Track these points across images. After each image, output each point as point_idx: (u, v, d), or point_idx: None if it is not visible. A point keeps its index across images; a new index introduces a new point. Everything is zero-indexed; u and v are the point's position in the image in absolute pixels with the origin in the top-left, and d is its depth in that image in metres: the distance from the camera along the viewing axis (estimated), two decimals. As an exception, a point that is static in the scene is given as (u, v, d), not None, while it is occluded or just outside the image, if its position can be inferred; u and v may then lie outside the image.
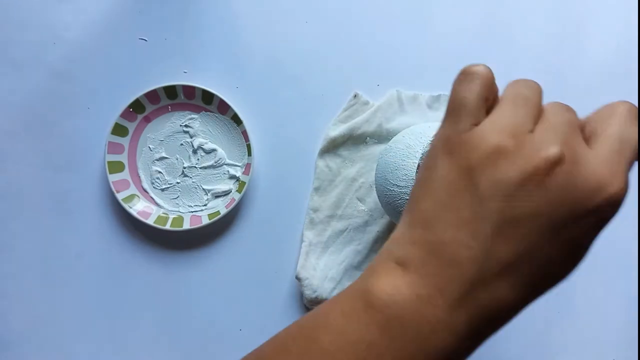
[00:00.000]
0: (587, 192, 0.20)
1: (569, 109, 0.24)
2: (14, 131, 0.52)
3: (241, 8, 0.53)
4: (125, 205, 0.50)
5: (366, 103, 0.53)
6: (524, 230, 0.20)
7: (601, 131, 0.22)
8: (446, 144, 0.23)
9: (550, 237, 0.21)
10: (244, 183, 0.51)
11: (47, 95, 0.52)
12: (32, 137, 0.52)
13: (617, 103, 0.23)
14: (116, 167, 0.51)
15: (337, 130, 0.52)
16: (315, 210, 0.52)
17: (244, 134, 0.51)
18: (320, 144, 0.53)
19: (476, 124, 0.22)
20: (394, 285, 0.22)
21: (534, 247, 0.21)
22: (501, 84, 0.57)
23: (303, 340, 0.24)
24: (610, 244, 0.54)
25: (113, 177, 0.50)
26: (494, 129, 0.21)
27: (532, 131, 0.22)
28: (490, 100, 0.24)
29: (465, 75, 0.24)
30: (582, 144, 0.22)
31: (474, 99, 0.23)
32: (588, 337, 0.53)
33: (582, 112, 0.57)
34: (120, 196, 0.50)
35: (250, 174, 0.50)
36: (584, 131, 0.23)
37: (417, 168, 0.38)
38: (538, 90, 0.25)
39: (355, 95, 0.53)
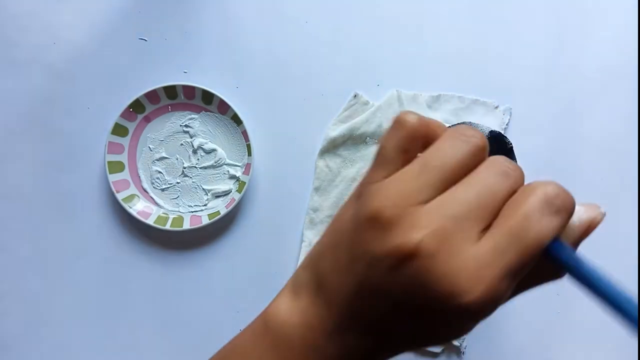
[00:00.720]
0: (439, 295, 0.18)
1: (506, 172, 0.20)
2: (14, 131, 0.52)
3: (241, 8, 0.53)
4: (125, 205, 0.50)
5: (366, 103, 0.53)
6: (375, 302, 0.21)
7: (501, 219, 0.19)
8: (357, 187, 0.23)
9: (402, 318, 0.21)
10: (244, 183, 0.51)
11: (47, 95, 0.52)
12: (32, 137, 0.52)
13: (536, 184, 0.19)
14: (116, 167, 0.51)
15: (337, 130, 0.52)
16: (315, 210, 0.52)
17: (244, 134, 0.51)
18: (320, 144, 0.53)
19: (386, 177, 0.21)
20: (287, 310, 0.24)
21: (390, 316, 0.21)
22: (502, 84, 0.57)
23: None
24: (610, 243, 0.54)
25: (113, 177, 0.50)
26: (385, 191, 0.20)
27: (427, 202, 0.20)
28: (411, 153, 0.22)
29: (394, 123, 0.22)
30: (468, 237, 0.19)
31: (391, 149, 0.22)
32: (588, 337, 0.53)
33: (584, 112, 0.56)
34: (120, 196, 0.50)
35: (250, 174, 0.50)
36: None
37: None
38: (470, 148, 0.20)
39: (355, 95, 0.53)
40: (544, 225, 0.18)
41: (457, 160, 0.20)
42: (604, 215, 0.23)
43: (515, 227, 0.18)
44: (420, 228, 0.19)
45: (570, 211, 0.19)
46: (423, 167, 0.20)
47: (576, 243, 0.22)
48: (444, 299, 0.18)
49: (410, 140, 0.21)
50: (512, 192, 0.20)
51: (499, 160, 0.21)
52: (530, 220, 0.18)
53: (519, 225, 0.18)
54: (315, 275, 0.23)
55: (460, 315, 0.19)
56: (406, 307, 0.20)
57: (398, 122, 0.22)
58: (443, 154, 0.20)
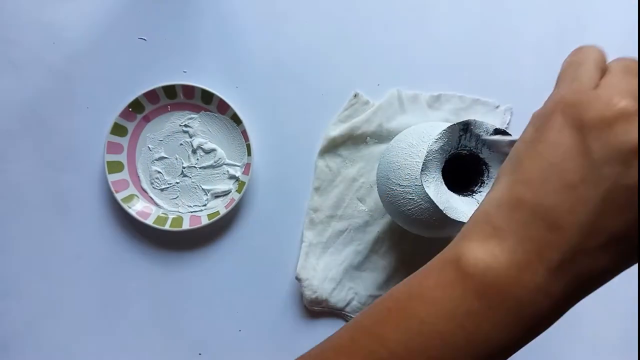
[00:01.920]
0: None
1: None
2: (14, 131, 0.52)
3: (241, 8, 0.53)
4: (125, 206, 0.50)
5: (366, 103, 0.53)
6: (629, 204, 0.19)
7: None
8: (560, 102, 0.22)
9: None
10: (244, 183, 0.50)
11: (47, 95, 0.52)
12: (32, 137, 0.52)
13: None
14: (115, 167, 0.51)
15: (337, 130, 0.52)
16: (315, 210, 0.52)
17: (244, 133, 0.51)
18: (320, 143, 0.53)
19: (594, 88, 0.21)
20: (490, 252, 0.22)
21: (628, 216, 0.19)
22: (503, 83, 0.57)
23: (400, 312, 0.23)
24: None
25: (112, 177, 0.50)
26: (614, 92, 0.20)
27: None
28: (603, 71, 0.23)
29: (579, 49, 0.24)
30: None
31: (592, 61, 0.22)
32: (588, 337, 0.52)
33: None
34: (119, 196, 0.50)
35: (250, 174, 0.50)
36: None
37: (422, 167, 0.38)
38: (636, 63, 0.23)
39: (355, 95, 0.53)
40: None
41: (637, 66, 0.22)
42: None
43: None
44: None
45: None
46: (627, 74, 0.21)
47: None
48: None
49: (604, 59, 0.23)
50: None
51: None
52: None
53: None
54: (528, 207, 0.21)
55: None
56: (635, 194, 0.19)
57: (585, 47, 0.24)
58: (631, 64, 0.22)
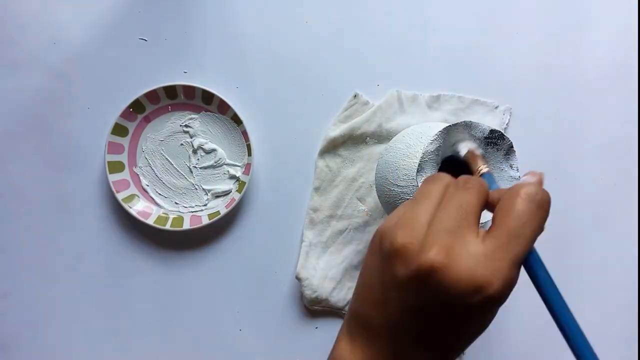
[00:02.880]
0: (465, 292, 0.22)
1: (465, 183, 0.25)
2: (14, 131, 0.52)
3: (241, 8, 0.53)
4: (125, 205, 0.50)
5: (366, 103, 0.53)
6: (421, 314, 0.24)
7: (496, 220, 0.24)
8: (379, 229, 0.26)
9: (445, 320, 0.24)
10: (244, 183, 0.51)
11: (47, 95, 0.52)
12: (32, 137, 0.52)
13: (518, 187, 0.24)
14: (116, 167, 0.51)
15: (337, 130, 0.52)
16: (315, 210, 0.52)
17: (244, 134, 0.51)
18: (320, 144, 0.53)
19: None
20: (349, 353, 0.27)
21: (433, 325, 0.24)
22: (502, 84, 0.57)
23: None
24: (610, 244, 0.54)
25: (113, 177, 0.50)
26: (396, 226, 0.24)
27: (430, 222, 0.24)
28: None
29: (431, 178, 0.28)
30: (463, 240, 0.23)
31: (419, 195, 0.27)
32: (588, 337, 0.53)
33: (584, 112, 0.56)
34: (120, 196, 0.50)
35: (250, 174, 0.50)
36: (490, 206, 0.25)
37: (417, 168, 0.38)
38: (442, 182, 0.26)
39: (355, 95, 0.53)
40: (535, 220, 0.23)
41: (440, 186, 0.26)
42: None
43: (513, 226, 0.23)
44: (428, 248, 0.23)
45: (548, 202, 0.24)
46: (418, 201, 0.26)
47: None
48: (472, 294, 0.22)
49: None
50: (484, 197, 0.25)
51: (461, 179, 0.26)
52: (521, 219, 0.23)
53: (515, 224, 0.23)
54: (359, 317, 0.27)
55: (489, 303, 0.22)
56: (444, 314, 0.23)
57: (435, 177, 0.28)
58: (430, 187, 0.26)
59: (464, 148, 0.38)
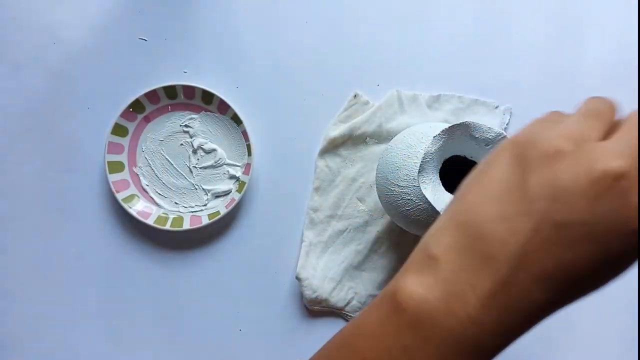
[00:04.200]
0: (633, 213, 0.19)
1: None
2: (14, 131, 0.52)
3: (241, 8, 0.53)
4: (125, 205, 0.50)
5: (366, 103, 0.53)
6: (565, 237, 0.20)
7: None
8: (512, 141, 0.23)
9: (592, 249, 0.19)
10: (244, 183, 0.51)
11: (47, 96, 0.52)
12: (32, 137, 0.52)
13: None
14: (116, 167, 0.51)
15: (337, 130, 0.52)
16: (315, 210, 0.52)
17: (244, 134, 0.51)
18: (320, 144, 0.53)
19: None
20: (425, 283, 0.22)
21: (574, 255, 0.20)
22: (502, 84, 0.57)
23: (345, 349, 0.24)
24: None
25: (113, 177, 0.50)
26: (558, 134, 0.21)
27: (600, 140, 0.21)
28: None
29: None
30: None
31: (549, 112, 0.24)
32: (588, 337, 0.53)
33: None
34: (120, 196, 0.50)
35: (250, 174, 0.50)
36: None
37: (419, 168, 0.38)
38: (612, 107, 0.24)
39: (355, 95, 0.53)
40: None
41: (611, 111, 0.24)
42: None
43: None
44: (616, 156, 0.19)
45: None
46: (586, 116, 0.23)
47: None
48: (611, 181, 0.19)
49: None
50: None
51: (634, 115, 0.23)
52: None
53: None
54: (464, 236, 0.22)
55: None
56: (594, 237, 0.19)
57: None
58: (599, 106, 0.24)
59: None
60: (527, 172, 0.21)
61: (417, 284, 0.22)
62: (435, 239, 0.23)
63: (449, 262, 0.22)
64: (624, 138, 0.20)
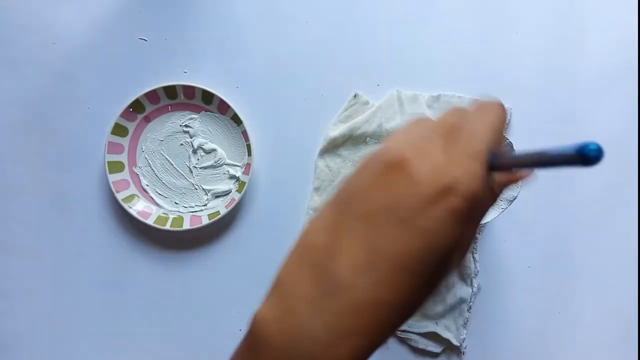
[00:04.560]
0: (437, 192, 0.21)
1: (456, 108, 0.25)
2: (14, 131, 0.52)
3: (241, 8, 0.53)
4: (125, 205, 0.50)
5: (366, 103, 0.53)
6: (371, 225, 0.21)
7: (456, 130, 0.24)
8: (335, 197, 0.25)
9: (399, 230, 0.21)
10: (244, 183, 0.51)
11: (47, 95, 0.52)
12: (32, 137, 0.52)
13: (476, 103, 0.25)
14: (116, 167, 0.51)
15: (337, 130, 0.52)
16: (315, 210, 0.52)
17: (244, 134, 0.51)
18: (320, 144, 0.53)
19: None
20: (268, 305, 0.23)
21: (385, 240, 0.21)
22: (502, 84, 0.57)
23: None
24: (610, 244, 0.54)
25: (113, 177, 0.50)
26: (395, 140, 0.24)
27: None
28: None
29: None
30: (436, 145, 0.23)
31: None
32: (588, 338, 0.53)
33: (584, 112, 0.56)
34: (120, 196, 0.50)
35: (250, 174, 0.50)
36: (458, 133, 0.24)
37: None
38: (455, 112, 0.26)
39: (355, 95, 0.53)
40: (487, 120, 0.24)
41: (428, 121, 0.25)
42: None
43: (469, 130, 0.23)
44: (399, 144, 0.23)
45: (498, 106, 0.25)
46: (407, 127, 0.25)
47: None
48: (446, 194, 0.21)
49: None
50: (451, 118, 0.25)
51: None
52: (475, 123, 0.23)
53: (470, 128, 0.23)
54: (299, 246, 0.24)
55: (464, 199, 0.21)
56: (397, 215, 0.21)
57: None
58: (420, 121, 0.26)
59: None
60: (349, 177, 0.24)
61: (264, 307, 0.23)
62: (282, 265, 0.24)
63: (287, 281, 0.23)
64: (410, 130, 0.24)
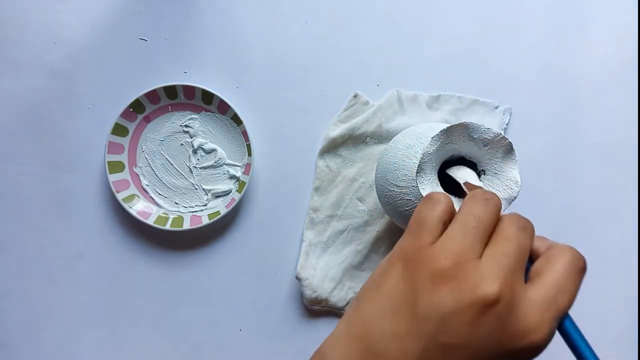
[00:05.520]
0: (514, 336, 0.21)
1: (525, 227, 0.25)
2: (14, 131, 0.52)
3: (241, 8, 0.53)
4: (125, 205, 0.50)
5: (366, 103, 0.53)
6: (451, 358, 0.22)
7: (544, 273, 0.23)
8: (403, 255, 0.24)
9: None
10: (244, 183, 0.51)
11: (47, 95, 0.52)
12: (32, 137, 0.52)
13: (565, 248, 0.24)
14: (116, 167, 0.51)
15: (337, 130, 0.52)
16: (315, 210, 0.52)
17: (244, 134, 0.51)
18: (320, 144, 0.53)
19: (432, 243, 0.24)
20: None
21: None
22: (502, 84, 0.57)
23: None
24: (610, 244, 0.54)
25: (113, 177, 0.50)
26: (442, 252, 0.23)
27: (480, 256, 0.23)
28: (447, 224, 0.25)
29: (429, 199, 0.26)
30: (520, 282, 0.23)
31: (434, 219, 0.25)
32: (588, 337, 0.53)
33: (584, 112, 0.56)
34: (120, 196, 0.50)
35: (250, 174, 0.50)
36: (533, 259, 0.24)
37: (417, 168, 0.38)
38: (493, 208, 0.25)
39: (355, 95, 0.53)
40: (577, 281, 0.23)
41: (491, 214, 0.25)
42: None
43: (561, 281, 0.23)
44: (491, 280, 0.22)
45: (585, 270, 0.24)
46: (465, 228, 0.24)
47: None
48: (520, 338, 0.21)
49: (449, 214, 0.25)
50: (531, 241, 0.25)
51: (515, 217, 0.25)
52: (567, 277, 0.23)
53: (563, 280, 0.23)
54: (361, 346, 0.23)
55: (531, 350, 0.22)
56: (485, 355, 0.22)
57: (434, 199, 0.26)
58: (479, 212, 0.24)
59: (461, 179, 0.37)
60: (417, 292, 0.23)
61: None
62: (331, 349, 0.24)
63: None
64: (496, 256, 0.23)
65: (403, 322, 0.22)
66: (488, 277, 0.22)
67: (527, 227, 0.25)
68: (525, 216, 0.26)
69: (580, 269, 0.24)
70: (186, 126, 0.52)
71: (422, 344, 0.22)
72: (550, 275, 0.23)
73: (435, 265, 0.23)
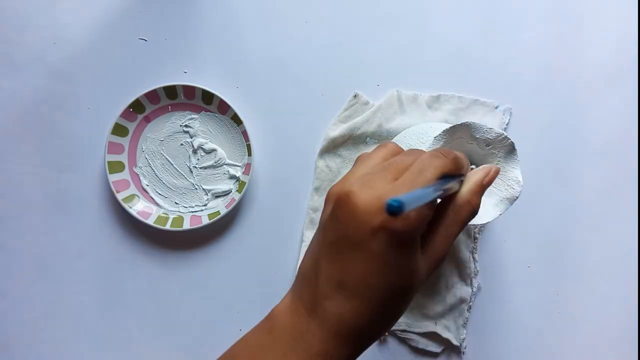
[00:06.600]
0: (371, 211, 0.25)
1: (407, 153, 0.29)
2: (14, 131, 0.52)
3: (241, 8, 0.53)
4: (125, 205, 0.50)
5: (366, 103, 0.53)
6: (336, 251, 0.27)
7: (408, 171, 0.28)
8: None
9: (359, 263, 0.26)
10: (244, 183, 0.51)
11: (47, 96, 0.52)
12: (32, 137, 0.52)
13: (441, 151, 0.29)
14: (116, 167, 0.51)
15: (337, 130, 0.52)
16: (315, 210, 0.52)
17: (244, 134, 0.51)
18: (320, 144, 0.53)
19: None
20: (283, 302, 0.30)
21: (348, 267, 0.26)
22: (502, 84, 0.57)
23: (227, 357, 0.32)
24: (610, 244, 0.54)
25: (113, 177, 0.50)
26: (346, 179, 0.29)
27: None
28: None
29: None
30: (382, 181, 0.26)
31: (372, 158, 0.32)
32: (588, 338, 0.53)
33: (584, 112, 0.56)
34: (120, 196, 0.50)
35: (250, 174, 0.50)
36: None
37: None
38: (421, 156, 0.29)
39: (355, 95, 0.53)
40: (432, 163, 0.27)
41: (407, 160, 0.28)
42: (497, 170, 0.31)
43: (416, 167, 0.27)
44: (351, 180, 0.27)
45: (451, 155, 0.28)
46: (381, 165, 0.30)
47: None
48: (376, 214, 0.25)
49: (390, 154, 0.32)
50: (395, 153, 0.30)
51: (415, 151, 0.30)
52: (423, 162, 0.27)
53: (419, 166, 0.27)
54: (299, 269, 0.31)
55: (394, 235, 0.25)
56: (358, 253, 0.26)
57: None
58: (400, 158, 0.29)
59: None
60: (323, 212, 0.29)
61: (280, 303, 0.31)
62: (303, 262, 0.31)
63: (293, 288, 0.30)
64: (360, 168, 0.30)
65: (314, 237, 0.30)
66: (349, 180, 0.27)
67: (414, 150, 0.30)
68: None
69: (439, 156, 0.28)
70: (186, 126, 0.52)
71: (320, 248, 0.28)
72: (410, 170, 0.27)
73: (330, 191, 0.28)
